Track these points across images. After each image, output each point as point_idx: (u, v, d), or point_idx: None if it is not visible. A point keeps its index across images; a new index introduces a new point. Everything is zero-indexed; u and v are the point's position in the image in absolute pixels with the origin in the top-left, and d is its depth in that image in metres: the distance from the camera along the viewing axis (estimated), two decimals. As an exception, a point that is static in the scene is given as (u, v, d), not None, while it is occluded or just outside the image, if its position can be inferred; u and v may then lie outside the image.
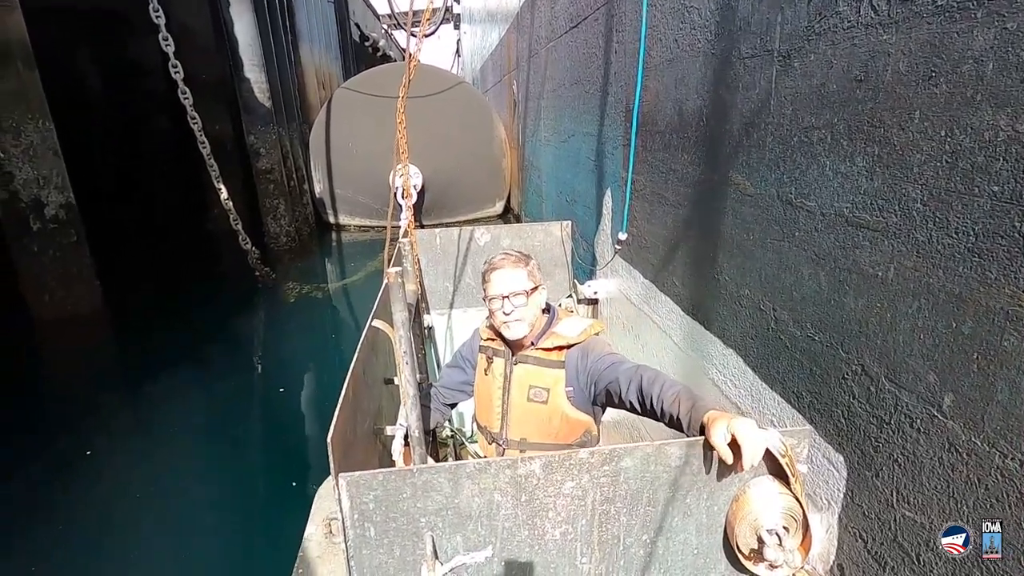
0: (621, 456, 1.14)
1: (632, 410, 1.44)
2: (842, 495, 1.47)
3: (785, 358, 1.69)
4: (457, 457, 3.19)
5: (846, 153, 1.39)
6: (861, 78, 1.33)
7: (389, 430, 1.68)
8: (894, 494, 1.28)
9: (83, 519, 3.42)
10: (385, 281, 1.53)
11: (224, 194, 6.75)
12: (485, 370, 1.75)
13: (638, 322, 3.09)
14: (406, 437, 1.61)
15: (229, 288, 8.08)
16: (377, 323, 1.61)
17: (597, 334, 1.65)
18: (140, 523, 3.44)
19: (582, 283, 3.71)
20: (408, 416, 1.55)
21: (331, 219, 11.36)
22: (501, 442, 1.71)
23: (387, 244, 2.22)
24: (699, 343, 2.33)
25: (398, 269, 1.41)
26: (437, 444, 3.13)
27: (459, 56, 20.51)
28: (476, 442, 3.50)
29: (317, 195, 11.14)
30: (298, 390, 5.21)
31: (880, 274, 1.30)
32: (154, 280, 8.28)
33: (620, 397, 1.45)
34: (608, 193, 3.60)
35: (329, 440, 1.08)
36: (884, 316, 1.29)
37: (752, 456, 1.05)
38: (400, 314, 1.45)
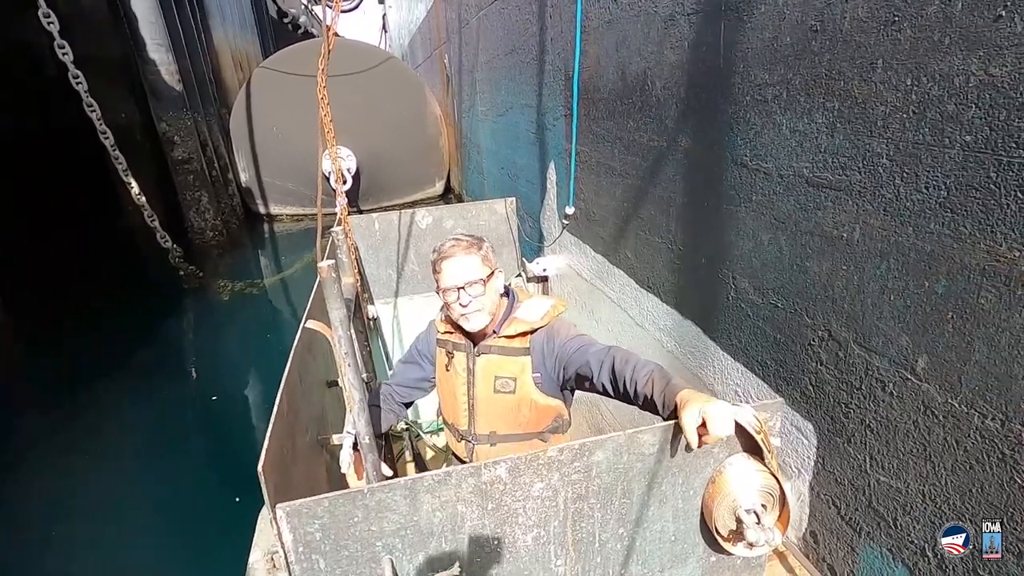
0: (592, 450, 1.05)
1: (604, 393, 1.36)
2: (813, 462, 1.44)
3: (747, 327, 1.65)
4: (413, 451, 3.06)
5: (804, 110, 1.32)
6: (817, 28, 1.26)
7: (336, 439, 1.52)
8: (868, 459, 1.26)
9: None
10: (319, 277, 1.36)
11: (135, 189, 6.16)
12: (446, 366, 1.62)
13: (592, 298, 3.03)
14: (355, 445, 1.46)
15: (152, 290, 7.49)
16: (312, 324, 1.44)
17: (560, 315, 1.55)
18: (63, 552, 3.11)
19: (530, 261, 3.61)
20: (356, 422, 1.41)
21: (261, 209, 10.70)
22: (470, 438, 1.62)
23: (319, 236, 2.02)
24: (656, 316, 2.27)
25: (331, 262, 1.24)
26: (391, 439, 2.98)
27: (386, 32, 19.68)
28: (432, 433, 3.39)
29: (244, 184, 10.44)
30: (236, 397, 4.87)
31: (845, 235, 1.25)
32: (65, 286, 7.54)
33: (592, 381, 1.37)
34: (552, 166, 3.48)
35: (260, 469, 0.93)
36: (851, 279, 1.25)
37: (718, 429, 0.97)
38: (337, 312, 1.29)
